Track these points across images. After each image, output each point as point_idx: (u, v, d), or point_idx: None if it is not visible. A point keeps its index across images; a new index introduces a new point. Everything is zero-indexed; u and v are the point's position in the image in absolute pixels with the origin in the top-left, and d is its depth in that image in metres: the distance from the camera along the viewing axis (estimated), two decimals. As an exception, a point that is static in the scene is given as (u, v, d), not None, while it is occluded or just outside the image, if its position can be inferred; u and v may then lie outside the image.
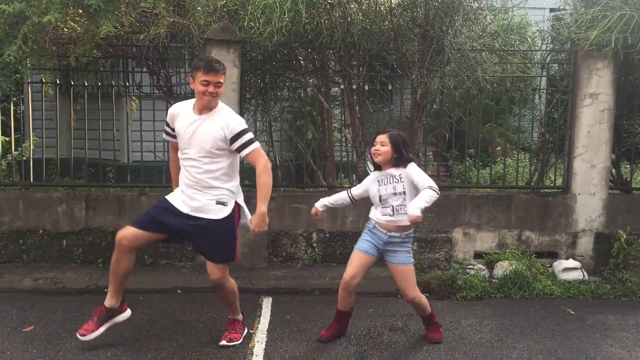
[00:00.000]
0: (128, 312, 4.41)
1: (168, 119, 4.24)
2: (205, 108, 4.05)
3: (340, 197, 4.57)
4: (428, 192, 4.00)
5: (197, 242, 4.20)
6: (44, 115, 6.55)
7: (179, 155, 4.21)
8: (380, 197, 4.27)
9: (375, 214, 4.32)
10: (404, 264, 4.25)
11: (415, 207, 3.90)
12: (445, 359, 4.18)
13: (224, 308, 4.49)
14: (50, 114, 6.93)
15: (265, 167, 4.09)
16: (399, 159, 4.23)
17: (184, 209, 4.09)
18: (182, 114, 4.15)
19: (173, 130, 4.21)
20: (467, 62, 6.25)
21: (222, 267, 4.18)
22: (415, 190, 4.14)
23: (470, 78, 6.21)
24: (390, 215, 4.22)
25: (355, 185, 4.69)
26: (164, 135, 4.38)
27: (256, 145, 4.11)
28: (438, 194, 4.03)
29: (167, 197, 4.22)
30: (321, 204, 4.54)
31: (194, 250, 4.32)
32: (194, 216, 4.09)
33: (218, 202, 4.10)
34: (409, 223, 4.13)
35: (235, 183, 4.21)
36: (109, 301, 4.28)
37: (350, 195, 4.53)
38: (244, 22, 5.90)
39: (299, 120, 8.11)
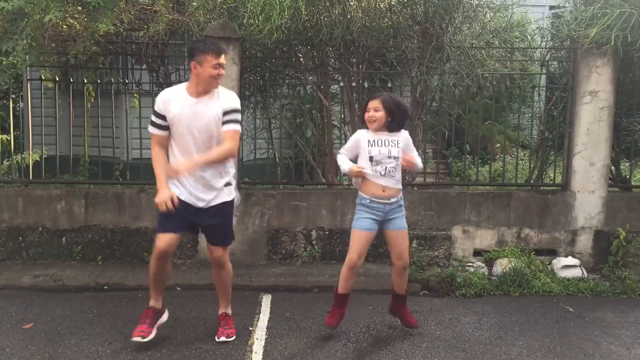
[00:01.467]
0: (167, 314, 4.48)
1: (159, 107, 4.06)
2: (206, 91, 4.04)
3: (345, 158, 4.38)
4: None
5: (213, 230, 4.23)
6: (43, 112, 6.54)
7: (175, 146, 4.09)
8: (371, 157, 4.26)
9: (367, 185, 4.30)
10: (403, 227, 4.37)
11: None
12: (445, 356, 4.18)
13: (218, 298, 4.49)
14: (50, 111, 6.92)
15: (231, 149, 4.06)
16: (393, 122, 4.28)
17: (199, 204, 4.10)
18: (175, 99, 4.04)
19: (165, 119, 4.05)
20: (467, 59, 6.25)
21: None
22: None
23: (469, 75, 6.22)
24: (382, 175, 4.24)
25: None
26: (152, 128, 4.11)
27: (237, 127, 4.09)
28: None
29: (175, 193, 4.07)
30: (350, 163, 4.34)
31: (208, 238, 4.29)
32: (211, 207, 4.13)
33: (227, 184, 4.17)
34: (398, 187, 4.32)
35: (231, 162, 4.29)
36: (155, 303, 4.35)
37: (345, 155, 4.42)
38: (244, 19, 5.89)
39: (298, 118, 8.11)
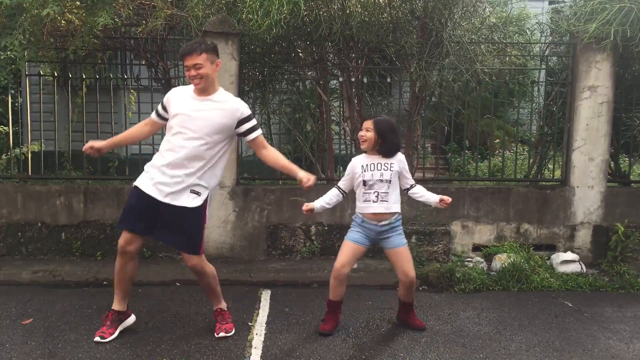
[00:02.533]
0: (133, 318, 4.45)
1: (166, 99, 4.17)
2: (201, 92, 4.05)
3: (333, 195, 4.47)
4: (419, 186, 4.48)
5: (165, 232, 4.12)
6: (42, 107, 6.53)
7: (168, 136, 4.09)
8: (364, 181, 4.29)
9: (360, 206, 4.36)
10: (400, 245, 4.35)
11: (435, 196, 4.41)
12: (444, 351, 4.19)
13: (209, 299, 4.49)
14: (49, 107, 6.91)
15: (272, 149, 4.33)
16: (384, 146, 4.27)
17: (157, 195, 4.04)
18: (182, 96, 4.12)
19: (166, 111, 4.14)
20: (466, 54, 6.24)
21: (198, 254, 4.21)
22: (398, 182, 4.36)
23: (469, 71, 6.21)
24: (374, 202, 4.27)
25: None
26: (154, 115, 4.23)
27: (260, 132, 4.25)
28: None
29: (138, 185, 4.12)
30: (319, 205, 4.47)
31: (162, 241, 4.30)
32: (167, 204, 4.04)
33: (192, 192, 4.08)
34: (395, 210, 4.33)
35: (215, 181, 4.23)
36: (117, 305, 4.31)
37: (340, 189, 4.49)
38: (242, 14, 5.88)
39: (297, 113, 8.10)
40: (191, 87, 4.13)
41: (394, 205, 4.32)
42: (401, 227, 4.40)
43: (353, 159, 4.47)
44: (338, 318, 4.52)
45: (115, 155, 6.98)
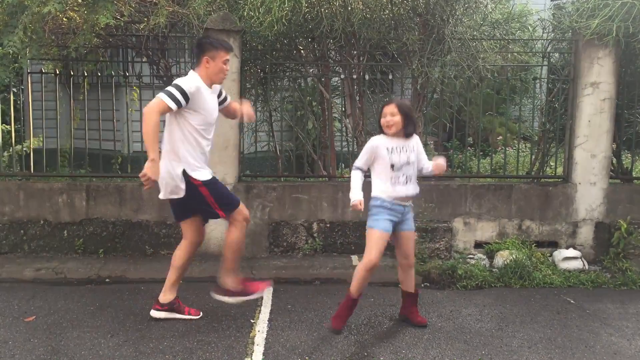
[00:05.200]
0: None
1: (191, 89, 4.20)
2: (212, 84, 4.42)
3: (359, 180, 4.33)
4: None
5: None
6: (44, 105, 6.54)
7: (197, 129, 4.31)
8: (393, 165, 4.25)
9: (390, 190, 4.27)
10: (413, 229, 4.47)
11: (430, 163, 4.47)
12: (446, 348, 4.19)
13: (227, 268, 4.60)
14: (51, 105, 6.92)
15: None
16: (409, 127, 4.31)
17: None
18: (204, 90, 4.33)
19: (187, 101, 4.20)
20: (468, 51, 6.23)
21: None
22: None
23: (471, 67, 6.20)
24: (405, 184, 4.30)
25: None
26: (168, 100, 4.15)
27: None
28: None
29: (213, 176, 4.47)
30: (361, 195, 4.27)
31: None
32: None
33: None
34: (417, 192, 4.42)
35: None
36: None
37: (362, 170, 4.38)
38: (244, 11, 5.88)
39: (299, 111, 8.09)
40: (200, 79, 4.32)
41: (414, 186, 4.39)
42: (410, 213, 4.48)
43: (373, 138, 4.37)
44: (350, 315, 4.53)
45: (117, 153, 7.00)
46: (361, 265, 4.28)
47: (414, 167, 4.36)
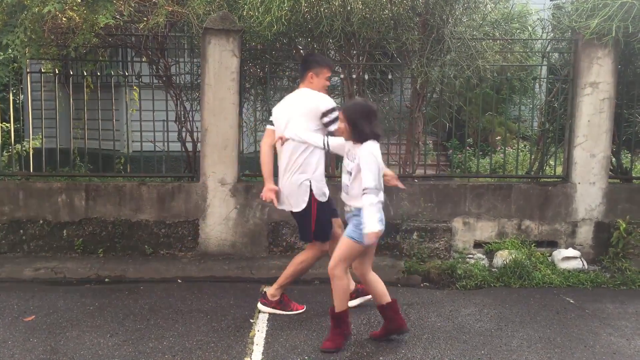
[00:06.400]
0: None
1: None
2: None
3: (314, 137, 4.32)
4: (367, 200, 3.84)
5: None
6: (43, 105, 6.54)
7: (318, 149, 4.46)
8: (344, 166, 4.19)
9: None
10: (346, 235, 4.08)
11: (370, 225, 3.83)
12: (445, 348, 4.19)
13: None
14: (50, 104, 6.91)
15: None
16: (354, 134, 3.99)
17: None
18: None
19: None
20: (468, 51, 6.23)
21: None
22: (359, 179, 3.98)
23: (470, 67, 6.20)
24: (345, 191, 4.13)
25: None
26: (269, 125, 4.73)
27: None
28: (377, 195, 3.87)
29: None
30: (292, 133, 4.32)
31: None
32: None
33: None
34: (353, 203, 4.06)
35: None
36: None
37: (325, 141, 4.31)
38: (243, 11, 5.87)
39: (298, 110, 8.07)
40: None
41: (353, 199, 4.06)
42: (358, 220, 3.99)
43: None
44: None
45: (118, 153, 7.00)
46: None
47: (349, 177, 4.05)
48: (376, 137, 3.99)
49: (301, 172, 4.48)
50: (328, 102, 4.49)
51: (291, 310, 4.76)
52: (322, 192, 4.54)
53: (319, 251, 4.64)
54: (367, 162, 3.90)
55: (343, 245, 4.08)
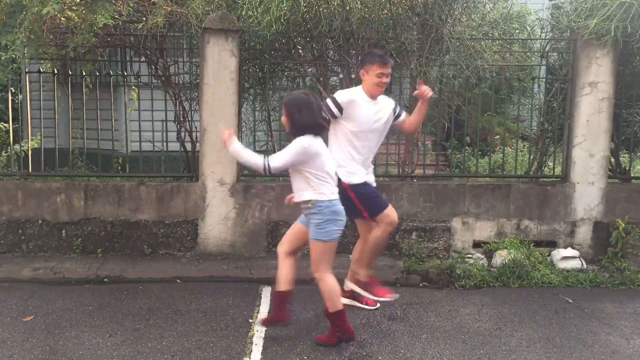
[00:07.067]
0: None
1: (345, 103, 4.48)
2: (374, 97, 4.57)
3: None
4: (258, 156, 3.96)
5: None
6: (42, 105, 6.53)
7: (349, 136, 4.52)
8: None
9: None
10: (310, 237, 4.08)
11: (234, 145, 3.96)
12: (444, 347, 4.19)
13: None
14: (49, 104, 6.91)
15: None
16: (292, 127, 3.98)
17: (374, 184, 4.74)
18: (360, 100, 4.52)
19: (341, 112, 4.49)
20: (467, 51, 6.23)
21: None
22: (297, 171, 4.01)
23: (469, 67, 6.20)
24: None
25: None
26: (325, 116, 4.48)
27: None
28: (266, 167, 3.93)
29: (365, 180, 4.62)
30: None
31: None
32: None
33: None
34: (300, 199, 4.10)
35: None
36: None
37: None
38: (242, 11, 5.87)
39: (298, 110, 8.06)
40: (358, 90, 4.59)
41: (298, 192, 4.07)
42: (319, 217, 4.01)
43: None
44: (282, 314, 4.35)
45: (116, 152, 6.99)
46: None
47: (289, 171, 4.07)
48: (313, 131, 3.93)
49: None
50: (340, 92, 4.61)
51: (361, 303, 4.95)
52: (348, 175, 4.55)
53: (386, 222, 4.65)
54: (290, 147, 3.92)
55: (312, 249, 4.10)
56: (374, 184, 4.80)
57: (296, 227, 4.33)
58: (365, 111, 4.53)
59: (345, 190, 4.48)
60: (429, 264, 5.85)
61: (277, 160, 3.94)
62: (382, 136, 4.74)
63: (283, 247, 4.32)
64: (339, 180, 4.40)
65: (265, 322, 4.39)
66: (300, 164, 3.96)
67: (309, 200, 4.03)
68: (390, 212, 4.67)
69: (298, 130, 3.95)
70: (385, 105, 4.70)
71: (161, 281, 5.58)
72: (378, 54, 4.56)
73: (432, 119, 8.11)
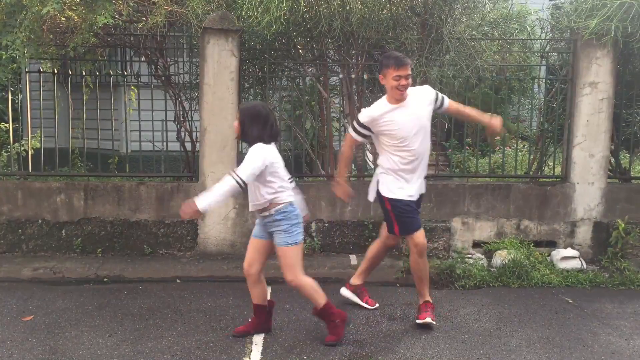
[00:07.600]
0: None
1: (367, 122, 4.45)
2: (399, 100, 4.41)
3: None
4: (226, 179, 3.86)
5: None
6: (42, 104, 6.53)
7: (391, 148, 4.46)
8: None
9: None
10: (278, 244, 4.06)
11: (201, 200, 3.86)
12: (444, 347, 4.19)
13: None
14: (49, 104, 6.91)
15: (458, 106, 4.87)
16: (243, 135, 4.02)
17: (416, 196, 4.58)
18: (383, 113, 4.42)
19: (369, 130, 4.48)
20: (467, 51, 6.23)
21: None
22: (257, 180, 3.95)
23: (469, 67, 6.20)
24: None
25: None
26: (357, 136, 4.58)
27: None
28: (241, 184, 3.84)
29: (405, 197, 4.47)
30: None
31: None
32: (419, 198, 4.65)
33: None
34: (255, 208, 4.07)
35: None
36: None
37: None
38: (242, 10, 5.87)
39: (297, 110, 8.08)
40: (383, 101, 4.48)
41: (259, 200, 4.02)
42: (286, 222, 4.02)
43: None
44: (259, 324, 4.34)
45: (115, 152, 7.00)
46: None
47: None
48: (264, 141, 3.96)
49: (379, 164, 4.64)
50: (361, 113, 4.56)
51: (361, 302, 4.96)
52: (388, 188, 4.50)
53: (411, 245, 4.57)
54: (249, 156, 3.91)
55: (284, 255, 4.07)
56: (423, 191, 4.68)
57: (256, 243, 4.20)
58: (397, 119, 4.39)
59: (384, 202, 4.55)
60: (428, 264, 5.84)
61: (245, 173, 3.85)
62: (427, 135, 4.55)
63: (254, 268, 4.19)
64: (377, 188, 4.54)
65: (241, 330, 4.33)
66: (261, 173, 3.94)
67: (275, 207, 4.01)
68: (419, 235, 4.50)
69: (249, 139, 4.00)
70: (420, 101, 4.51)
71: (161, 281, 5.58)
72: (392, 57, 4.40)
73: (431, 119, 8.11)
